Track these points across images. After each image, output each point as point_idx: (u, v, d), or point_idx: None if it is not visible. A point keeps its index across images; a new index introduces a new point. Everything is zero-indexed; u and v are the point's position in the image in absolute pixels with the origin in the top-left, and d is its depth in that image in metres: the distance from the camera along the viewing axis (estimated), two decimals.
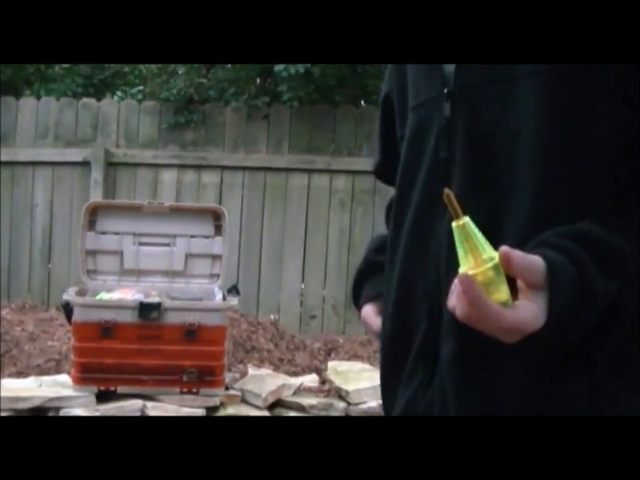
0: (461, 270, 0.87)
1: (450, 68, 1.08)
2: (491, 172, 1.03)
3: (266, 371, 4.30)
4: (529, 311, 0.87)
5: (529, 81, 1.00)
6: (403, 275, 1.15)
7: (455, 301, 0.87)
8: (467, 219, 0.87)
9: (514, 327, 0.86)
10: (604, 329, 0.94)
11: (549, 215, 0.98)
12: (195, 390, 3.62)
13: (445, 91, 1.08)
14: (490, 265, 0.86)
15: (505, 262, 0.86)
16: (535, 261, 0.88)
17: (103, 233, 3.98)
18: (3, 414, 3.48)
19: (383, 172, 1.37)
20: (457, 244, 0.88)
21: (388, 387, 1.19)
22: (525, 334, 0.88)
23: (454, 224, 0.88)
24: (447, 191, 0.87)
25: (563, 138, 0.99)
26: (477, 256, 0.86)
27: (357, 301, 1.39)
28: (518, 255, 0.86)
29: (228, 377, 3.81)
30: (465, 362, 1.02)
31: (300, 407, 3.88)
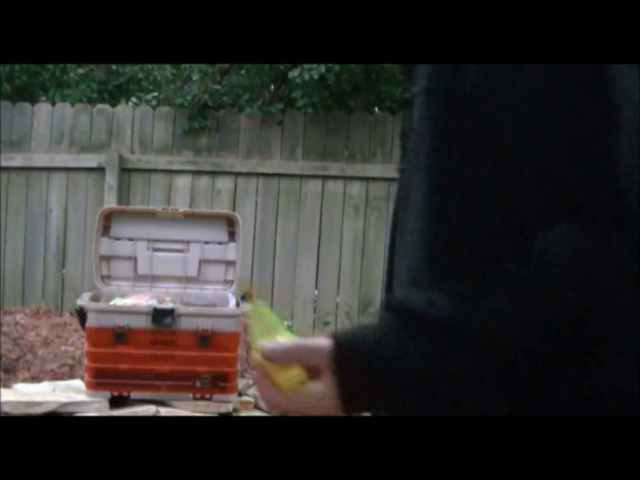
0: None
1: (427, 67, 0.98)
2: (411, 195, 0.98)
3: None
4: (309, 397, 0.90)
5: (420, 102, 0.94)
6: None
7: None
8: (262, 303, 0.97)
9: (297, 410, 0.91)
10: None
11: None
12: (208, 396, 3.62)
13: (415, 91, 0.99)
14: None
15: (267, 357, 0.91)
16: (314, 350, 0.89)
17: (117, 238, 3.98)
18: None
19: None
20: (254, 324, 0.96)
21: None
22: (319, 413, 0.92)
23: (251, 306, 0.97)
24: (243, 281, 0.95)
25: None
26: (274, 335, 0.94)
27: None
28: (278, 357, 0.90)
29: (241, 383, 3.80)
30: None
31: None
